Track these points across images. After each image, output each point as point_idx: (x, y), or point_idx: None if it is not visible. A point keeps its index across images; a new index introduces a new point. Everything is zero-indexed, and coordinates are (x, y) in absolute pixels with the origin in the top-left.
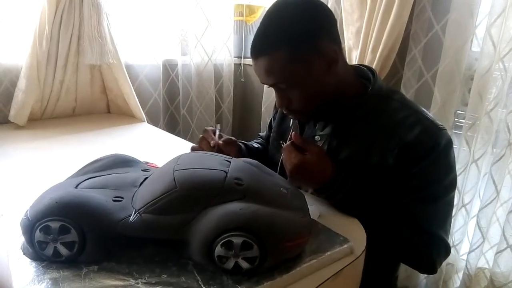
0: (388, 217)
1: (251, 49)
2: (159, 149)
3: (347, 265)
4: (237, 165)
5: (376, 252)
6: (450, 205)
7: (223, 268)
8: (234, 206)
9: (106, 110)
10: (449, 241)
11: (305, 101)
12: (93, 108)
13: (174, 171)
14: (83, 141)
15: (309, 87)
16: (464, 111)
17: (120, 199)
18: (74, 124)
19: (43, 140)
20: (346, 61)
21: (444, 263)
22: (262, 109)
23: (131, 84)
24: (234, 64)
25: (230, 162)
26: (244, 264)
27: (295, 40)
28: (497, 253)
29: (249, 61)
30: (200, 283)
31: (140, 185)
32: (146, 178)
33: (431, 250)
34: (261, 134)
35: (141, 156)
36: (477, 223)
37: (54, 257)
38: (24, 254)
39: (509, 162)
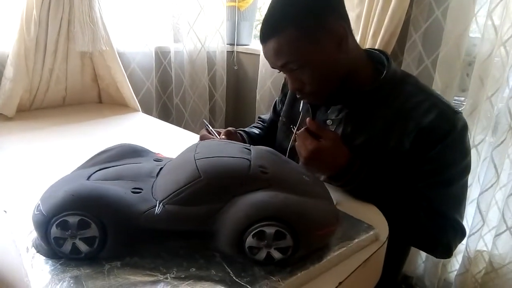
0: (404, 202)
1: (260, 35)
2: (157, 139)
3: (374, 252)
4: (258, 152)
5: (392, 238)
6: (464, 188)
7: (254, 259)
8: (262, 195)
9: (97, 100)
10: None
11: (317, 82)
12: (83, 98)
13: (195, 159)
14: (77, 132)
15: (320, 66)
16: (464, 97)
17: (139, 190)
18: (65, 115)
19: (34, 132)
20: (357, 43)
21: None
22: (257, 97)
23: (124, 72)
24: (227, 51)
25: (250, 150)
26: (277, 255)
27: (301, 19)
28: (495, 236)
29: (242, 48)
30: (231, 275)
31: (157, 175)
32: (161, 168)
33: (447, 233)
34: (262, 116)
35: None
36: (477, 207)
37: (73, 254)
38: (37, 252)
39: (509, 147)
